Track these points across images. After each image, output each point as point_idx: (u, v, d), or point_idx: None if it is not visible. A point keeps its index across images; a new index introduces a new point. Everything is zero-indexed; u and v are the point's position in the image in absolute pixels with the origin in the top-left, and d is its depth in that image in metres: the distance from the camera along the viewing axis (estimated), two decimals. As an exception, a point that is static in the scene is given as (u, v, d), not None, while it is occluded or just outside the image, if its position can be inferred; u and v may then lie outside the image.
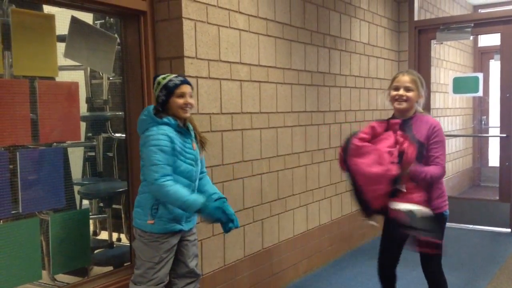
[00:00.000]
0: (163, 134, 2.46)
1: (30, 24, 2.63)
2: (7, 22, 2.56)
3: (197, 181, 2.64)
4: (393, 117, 2.89)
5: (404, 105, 2.79)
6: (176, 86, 2.52)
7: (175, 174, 2.49)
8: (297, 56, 4.15)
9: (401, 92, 2.78)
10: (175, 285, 2.71)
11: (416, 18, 6.02)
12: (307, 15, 4.26)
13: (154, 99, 2.68)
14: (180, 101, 2.52)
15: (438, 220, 2.86)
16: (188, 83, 2.59)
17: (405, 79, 2.81)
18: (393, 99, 2.82)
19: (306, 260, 4.37)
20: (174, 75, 2.58)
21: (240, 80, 3.54)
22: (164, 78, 2.55)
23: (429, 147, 2.76)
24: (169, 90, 2.52)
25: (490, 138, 8.73)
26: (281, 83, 3.96)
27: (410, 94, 2.78)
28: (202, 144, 2.68)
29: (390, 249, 2.97)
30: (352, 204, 5.08)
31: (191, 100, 2.57)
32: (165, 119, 2.52)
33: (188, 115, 2.58)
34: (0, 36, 2.50)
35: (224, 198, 2.68)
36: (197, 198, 2.46)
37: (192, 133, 2.63)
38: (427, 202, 2.74)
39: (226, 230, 2.56)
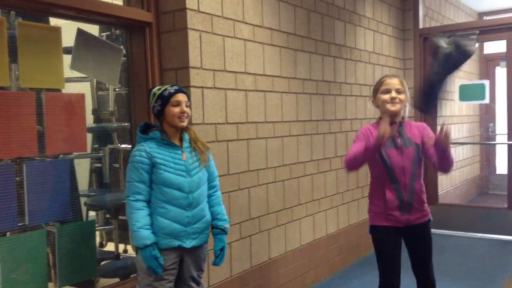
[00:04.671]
0: (139, 150, 2.47)
1: (37, 36, 2.65)
2: (14, 34, 2.57)
3: (196, 193, 2.53)
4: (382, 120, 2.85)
5: (398, 106, 2.80)
6: (171, 94, 2.50)
7: (165, 187, 2.46)
8: (302, 65, 4.15)
9: (394, 94, 2.79)
10: None
11: (421, 26, 6.02)
12: (311, 24, 4.27)
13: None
14: (176, 109, 2.50)
15: (429, 226, 2.92)
16: (184, 92, 2.56)
17: (395, 81, 2.83)
18: (385, 102, 2.80)
19: (314, 270, 4.35)
20: (169, 85, 2.57)
21: (245, 90, 3.54)
22: (159, 89, 2.55)
23: (426, 144, 2.77)
24: (164, 99, 2.50)
25: (497, 145, 8.68)
26: (286, 92, 3.96)
27: (401, 96, 2.81)
28: (200, 150, 2.58)
29: (396, 261, 2.91)
30: (359, 214, 5.06)
31: (187, 109, 2.53)
32: (150, 134, 2.53)
33: (184, 124, 2.54)
34: (6, 49, 2.52)
35: (223, 229, 2.65)
36: (146, 237, 2.39)
37: (185, 143, 2.58)
38: (423, 204, 2.86)
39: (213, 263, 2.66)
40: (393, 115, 2.81)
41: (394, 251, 2.85)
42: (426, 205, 2.89)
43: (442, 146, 2.59)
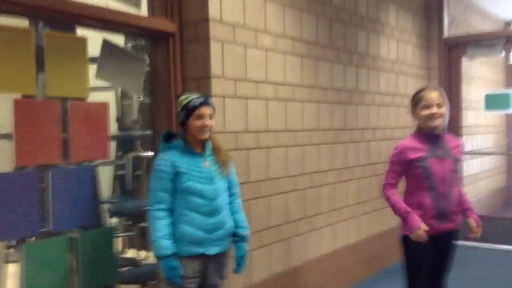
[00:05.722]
0: (163, 159, 2.50)
1: (63, 46, 2.72)
2: (41, 44, 2.65)
3: (219, 200, 2.56)
4: (422, 131, 2.92)
5: (439, 121, 2.85)
6: (195, 107, 2.52)
7: (189, 194, 2.48)
8: (323, 74, 4.15)
9: (435, 110, 2.83)
10: None
11: (445, 35, 5.96)
12: (333, 33, 4.27)
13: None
14: (198, 123, 2.52)
15: (457, 237, 3.00)
16: (208, 103, 2.57)
17: (435, 96, 2.86)
18: (427, 118, 2.85)
19: (334, 280, 4.32)
20: (196, 96, 2.57)
21: (266, 99, 3.56)
22: (186, 98, 2.56)
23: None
24: (188, 111, 2.52)
25: (524, 156, 8.51)
26: (307, 101, 3.97)
27: (442, 110, 2.85)
28: (222, 162, 2.62)
29: (428, 271, 2.91)
30: (382, 223, 5.01)
31: (210, 122, 2.54)
32: (174, 142, 2.55)
33: (206, 136, 2.56)
34: (34, 58, 2.59)
35: (243, 237, 2.68)
36: (167, 247, 2.42)
37: (208, 151, 2.60)
38: (458, 215, 2.96)
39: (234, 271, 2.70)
40: (434, 129, 2.87)
41: (425, 262, 2.88)
42: (460, 215, 2.96)
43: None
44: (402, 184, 2.97)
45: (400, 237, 2.94)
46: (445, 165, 2.83)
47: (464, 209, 2.96)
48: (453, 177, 2.86)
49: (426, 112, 2.84)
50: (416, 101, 2.91)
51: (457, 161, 2.89)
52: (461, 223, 2.97)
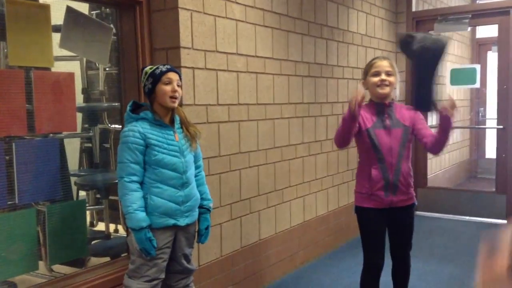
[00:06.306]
0: (132, 131, 2.44)
1: (25, 14, 2.61)
2: (2, 12, 2.53)
3: (189, 172, 2.56)
4: (372, 101, 2.89)
5: (387, 89, 2.81)
6: (163, 73, 2.49)
7: (160, 167, 2.46)
8: (294, 47, 4.13)
9: (384, 77, 2.79)
10: (167, 280, 2.63)
11: (414, 9, 6.01)
12: (304, 6, 4.24)
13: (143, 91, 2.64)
14: (167, 88, 2.48)
15: (413, 210, 2.96)
16: (176, 71, 2.54)
17: (385, 64, 2.83)
18: (375, 85, 2.81)
19: (303, 251, 4.39)
20: (161, 65, 2.55)
21: (237, 71, 3.52)
22: (151, 68, 2.53)
23: (419, 126, 2.85)
24: (156, 78, 2.48)
25: (487, 129, 8.74)
26: (278, 74, 3.95)
27: (391, 78, 2.81)
28: (191, 135, 2.60)
29: (380, 242, 2.92)
30: (349, 196, 5.10)
31: (178, 88, 2.51)
32: (141, 114, 2.50)
33: (175, 105, 2.52)
34: (-6, 26, 2.48)
35: (208, 209, 2.71)
36: (144, 219, 2.41)
37: (177, 124, 2.58)
38: (409, 187, 2.88)
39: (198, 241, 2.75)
40: (383, 98, 2.82)
41: (378, 232, 2.88)
42: (412, 188, 2.91)
43: (449, 119, 2.65)
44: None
45: (354, 207, 2.96)
46: (393, 135, 2.79)
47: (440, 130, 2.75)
48: (403, 148, 2.80)
49: (375, 79, 2.80)
50: (367, 69, 2.89)
51: (406, 130, 2.81)
52: (416, 197, 2.96)
